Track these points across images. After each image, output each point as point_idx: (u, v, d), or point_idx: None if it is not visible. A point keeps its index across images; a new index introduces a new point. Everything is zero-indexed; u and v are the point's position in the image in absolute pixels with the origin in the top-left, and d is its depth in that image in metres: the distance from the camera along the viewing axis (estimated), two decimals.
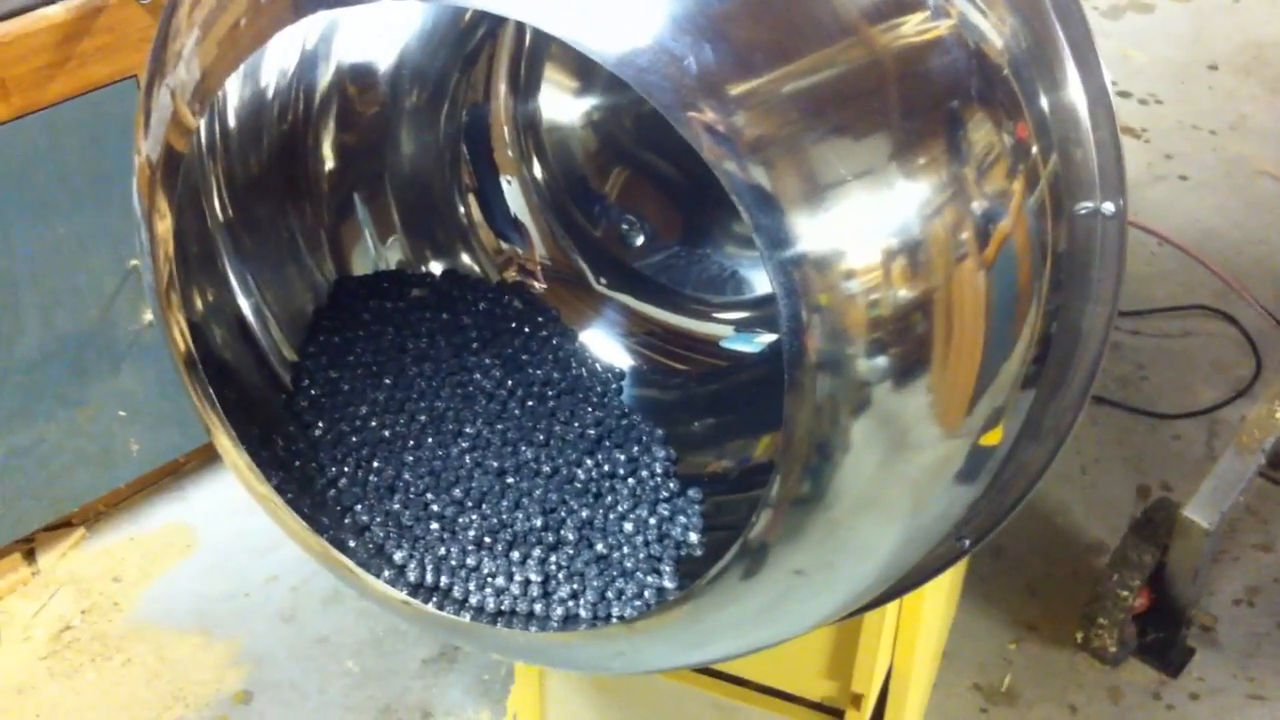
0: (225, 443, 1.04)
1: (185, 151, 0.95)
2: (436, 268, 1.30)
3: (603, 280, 1.33)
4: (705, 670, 1.57)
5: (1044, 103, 0.89)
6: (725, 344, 1.27)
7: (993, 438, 0.93)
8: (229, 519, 2.16)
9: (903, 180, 0.80)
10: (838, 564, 0.92)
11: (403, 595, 1.05)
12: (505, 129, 1.30)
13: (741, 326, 1.27)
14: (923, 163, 0.81)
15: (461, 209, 1.31)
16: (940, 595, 1.52)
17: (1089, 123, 0.90)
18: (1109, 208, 0.90)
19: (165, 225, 0.98)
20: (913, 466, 0.88)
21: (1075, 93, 0.90)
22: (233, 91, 1.04)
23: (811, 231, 0.78)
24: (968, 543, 1.03)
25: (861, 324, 0.80)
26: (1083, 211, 0.90)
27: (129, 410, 2.02)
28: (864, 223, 0.79)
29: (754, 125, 0.76)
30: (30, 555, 2.06)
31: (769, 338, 1.24)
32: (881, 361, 0.82)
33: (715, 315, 1.29)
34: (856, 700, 1.42)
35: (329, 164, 1.20)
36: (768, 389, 1.12)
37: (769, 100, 0.77)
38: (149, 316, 1.94)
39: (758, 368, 1.23)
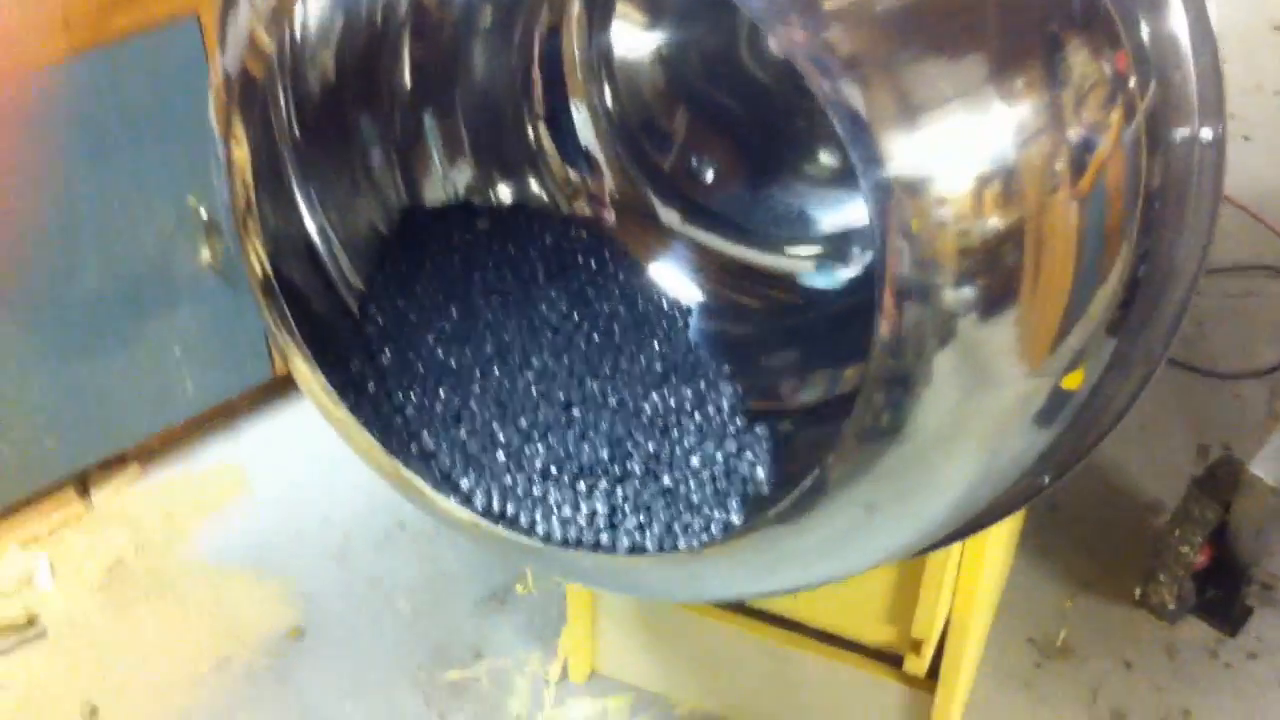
0: (302, 366, 1.04)
1: (261, 76, 0.94)
2: (504, 192, 1.29)
3: (672, 214, 1.31)
4: (760, 614, 1.57)
5: (1144, 29, 0.87)
6: (802, 279, 1.25)
7: (1074, 380, 0.91)
8: (282, 460, 2.17)
9: (998, 103, 0.78)
10: (910, 499, 0.91)
11: (472, 517, 1.04)
12: (577, 57, 1.28)
13: (819, 262, 1.25)
14: (1019, 86, 0.79)
15: (531, 135, 1.29)
16: (1000, 543, 1.51)
17: (1189, 47, 0.87)
18: (1207, 134, 0.88)
19: (242, 151, 0.97)
20: (993, 403, 0.86)
21: (1176, 18, 0.87)
22: (307, 7, 1.02)
23: (904, 154, 0.76)
24: (1046, 479, 1.02)
25: (951, 252, 0.78)
26: (1180, 139, 0.88)
27: (185, 349, 2.01)
28: (958, 146, 0.77)
29: (849, 41, 0.75)
30: (84, 490, 2.08)
31: (849, 273, 1.21)
32: (969, 292, 0.80)
33: (788, 251, 1.27)
34: (916, 646, 1.41)
35: (402, 82, 1.19)
36: (845, 325, 1.11)
37: (864, 15, 0.75)
38: (207, 255, 1.94)
39: (835, 303, 1.21)
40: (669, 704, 1.74)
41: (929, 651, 1.42)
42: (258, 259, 1.01)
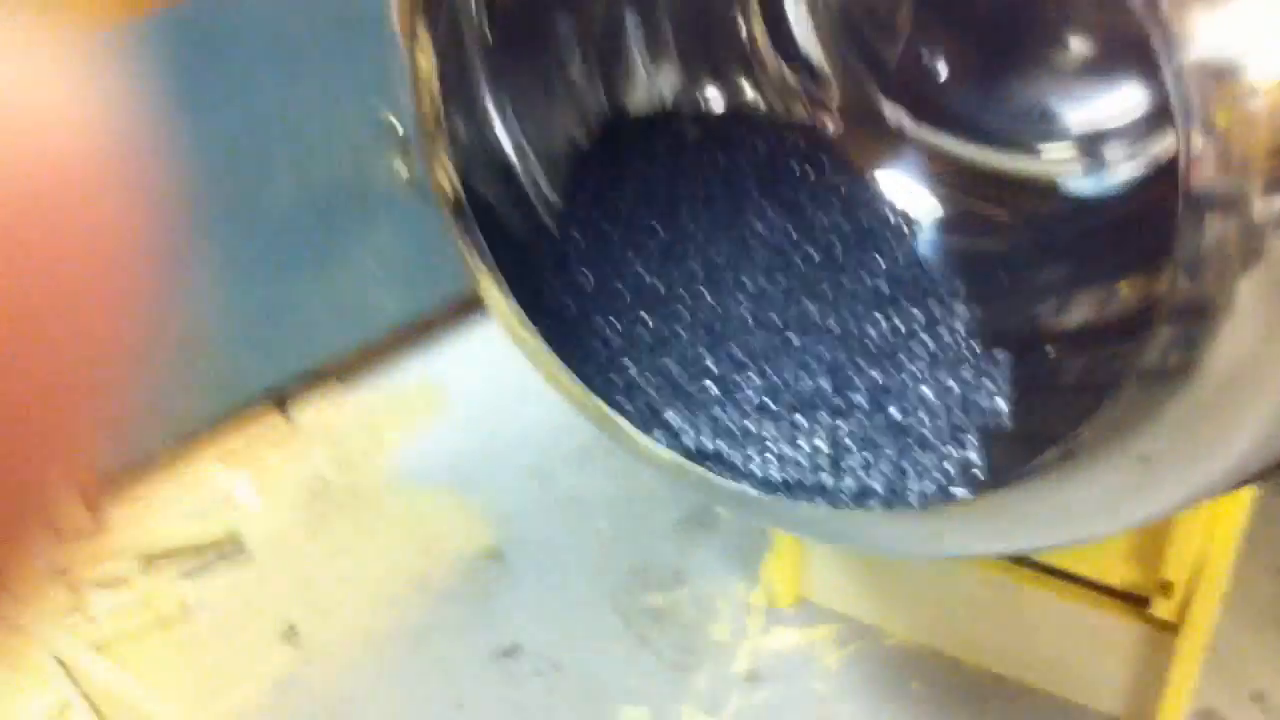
0: (492, 290, 0.96)
1: None
2: (714, 97, 1.17)
3: (900, 116, 1.17)
4: None
5: None
6: (1065, 186, 1.10)
7: None
8: (479, 377, 2.13)
9: None
10: (1192, 453, 0.78)
11: (677, 458, 0.95)
12: None
13: (1084, 166, 1.10)
14: None
15: (744, 31, 1.17)
16: None
17: None
18: None
19: (428, 59, 0.89)
20: None
21: None
22: None
23: (1210, 32, 0.62)
24: None
25: (1264, 153, 0.64)
26: None
27: (381, 265, 1.99)
28: (1276, 21, 0.63)
29: None
30: (284, 408, 2.07)
31: (1121, 178, 1.06)
32: None
33: (1043, 154, 1.12)
34: (1165, 588, 1.28)
35: None
36: (1117, 238, 0.97)
37: None
38: (402, 169, 1.89)
39: (1105, 213, 1.06)
40: (880, 635, 1.65)
41: (1179, 594, 1.28)
42: (447, 176, 0.93)
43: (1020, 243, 1.07)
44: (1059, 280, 1.01)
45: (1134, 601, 1.36)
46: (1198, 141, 0.64)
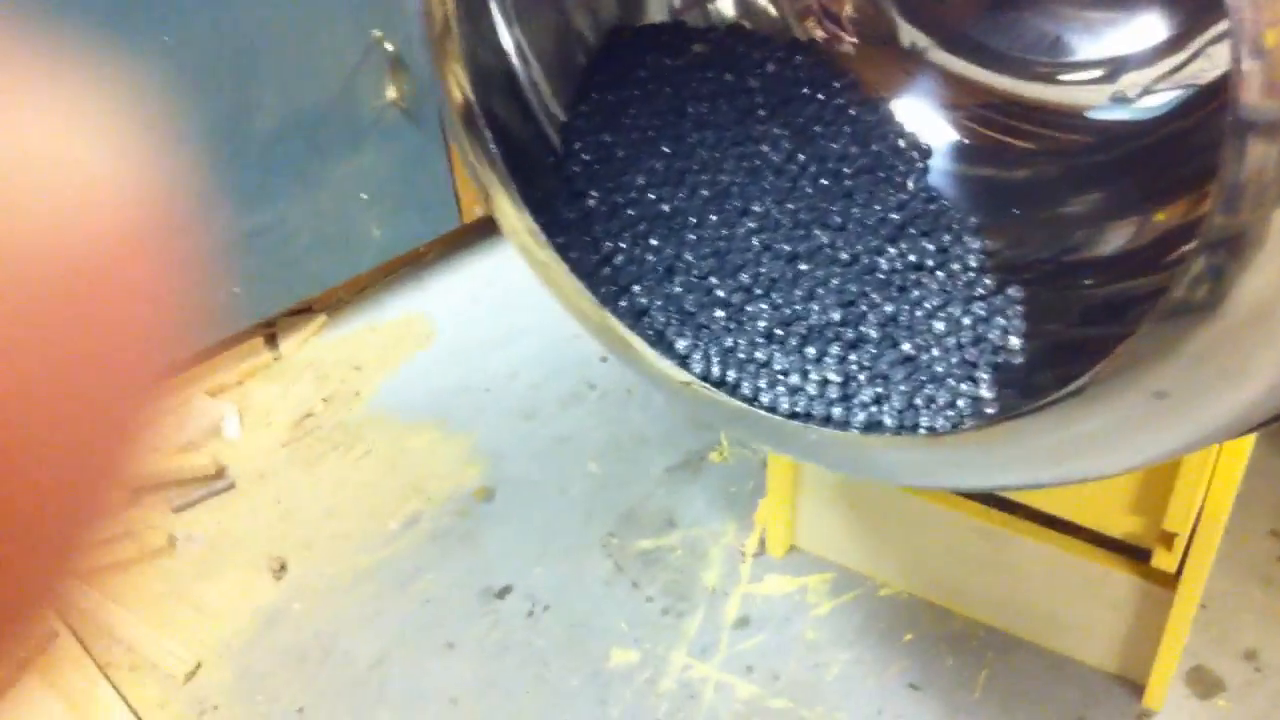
0: (505, 205, 0.92)
1: None
2: (724, 8, 1.13)
3: (919, 38, 1.13)
4: (976, 495, 1.43)
5: None
6: (1094, 114, 1.06)
7: None
8: (468, 312, 2.10)
9: None
10: (1209, 389, 0.75)
11: (689, 379, 0.93)
12: None
13: (1111, 93, 1.05)
14: None
15: None
16: None
17: None
18: None
19: None
20: None
21: None
22: None
23: None
24: None
25: None
26: None
27: (370, 193, 1.94)
28: None
29: None
30: (272, 340, 2.04)
31: (1151, 104, 1.02)
32: None
33: (1063, 82, 1.08)
34: (1167, 540, 1.26)
35: None
36: (1147, 165, 0.93)
37: None
38: (393, 93, 1.85)
39: (1134, 141, 1.02)
40: (873, 584, 1.63)
41: (1181, 546, 1.26)
42: (458, 84, 0.89)
43: (1046, 173, 1.03)
44: (1089, 211, 0.97)
45: (1133, 554, 1.34)
46: (1247, 63, 0.60)
